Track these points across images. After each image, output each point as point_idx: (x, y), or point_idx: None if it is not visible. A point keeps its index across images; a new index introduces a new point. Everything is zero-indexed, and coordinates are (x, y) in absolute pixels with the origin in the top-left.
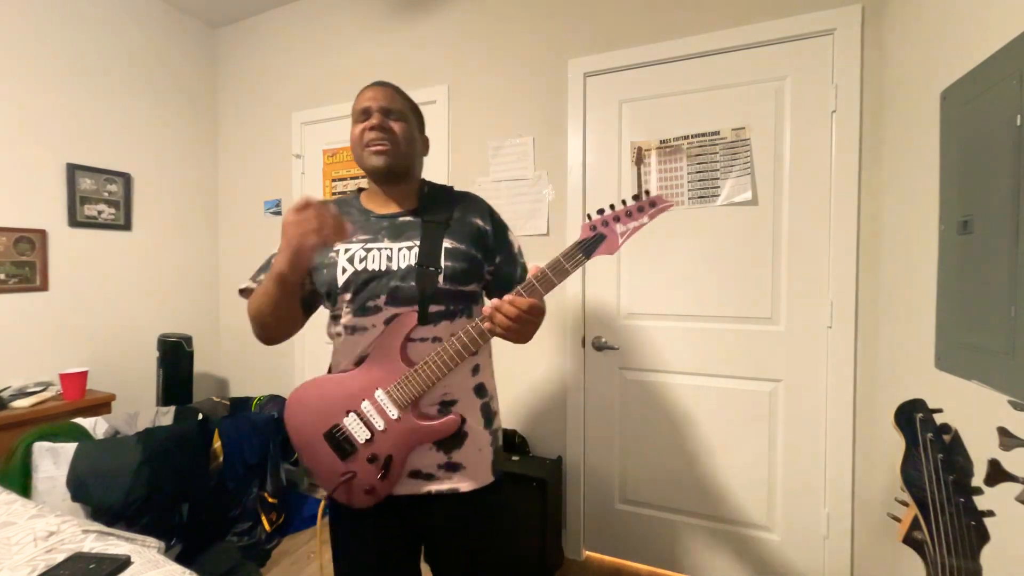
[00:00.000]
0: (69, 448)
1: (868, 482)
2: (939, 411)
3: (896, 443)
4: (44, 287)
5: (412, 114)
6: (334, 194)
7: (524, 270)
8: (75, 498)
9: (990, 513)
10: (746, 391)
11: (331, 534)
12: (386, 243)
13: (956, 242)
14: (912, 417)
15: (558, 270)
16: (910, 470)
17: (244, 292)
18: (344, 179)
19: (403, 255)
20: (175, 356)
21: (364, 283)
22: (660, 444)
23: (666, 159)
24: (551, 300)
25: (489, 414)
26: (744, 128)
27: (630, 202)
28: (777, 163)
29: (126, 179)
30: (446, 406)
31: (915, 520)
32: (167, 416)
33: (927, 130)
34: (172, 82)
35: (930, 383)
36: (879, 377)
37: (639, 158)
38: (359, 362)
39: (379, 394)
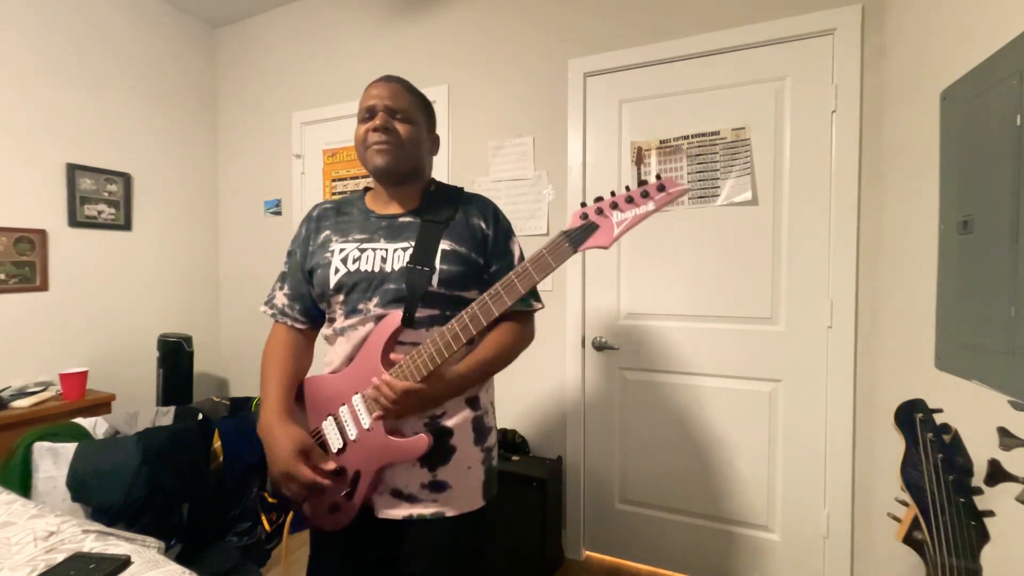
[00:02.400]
0: (69, 448)
1: (868, 482)
2: (939, 411)
3: (896, 443)
4: (44, 287)
5: (421, 112)
6: (334, 194)
7: None
8: (75, 498)
9: (990, 513)
10: (746, 391)
11: (309, 552)
12: (382, 243)
13: (956, 242)
14: (912, 417)
15: (540, 264)
16: (910, 470)
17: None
18: (344, 179)
19: (398, 256)
20: (175, 356)
21: (355, 284)
22: (660, 444)
23: (666, 159)
24: (551, 300)
25: (482, 430)
26: (744, 128)
27: (634, 187)
28: (777, 163)
29: (126, 179)
30: (433, 419)
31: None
32: (167, 416)
33: (927, 130)
34: (172, 82)
35: (930, 383)
36: (879, 377)
37: (639, 158)
38: (347, 365)
39: (356, 399)
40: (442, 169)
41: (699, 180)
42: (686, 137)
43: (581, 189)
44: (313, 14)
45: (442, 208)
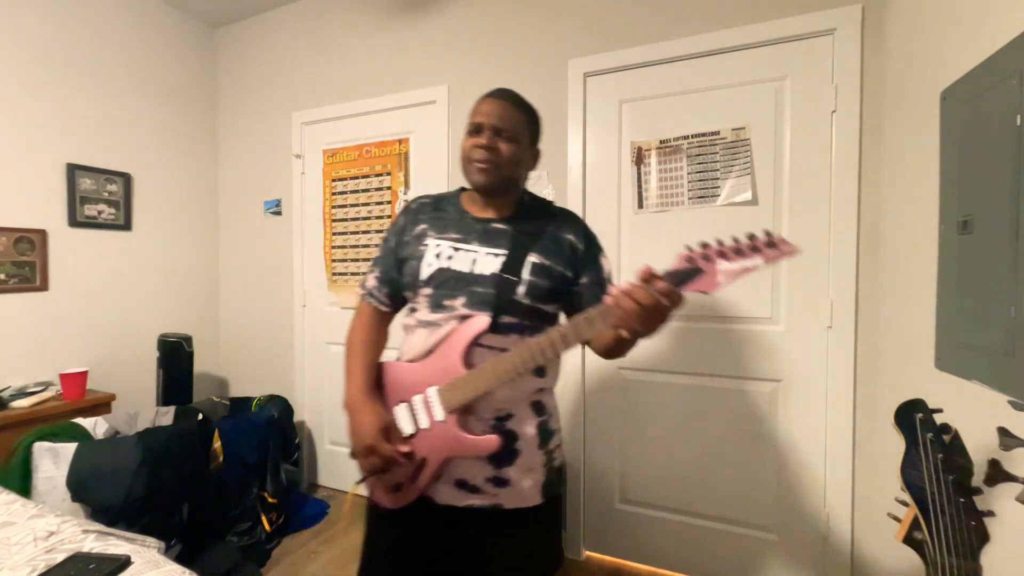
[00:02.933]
0: (69, 448)
1: (868, 482)
2: (939, 411)
3: (896, 443)
4: (44, 287)
5: (526, 129)
6: (334, 194)
7: None
8: (75, 498)
9: (990, 513)
10: (746, 391)
11: (365, 526)
12: (475, 246)
13: (956, 242)
14: (912, 417)
15: None
16: (910, 470)
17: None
18: (344, 179)
19: (488, 261)
20: (175, 356)
21: (445, 281)
22: (660, 444)
23: (666, 159)
24: None
25: (547, 433)
26: (744, 128)
27: (742, 240)
28: (777, 163)
29: (126, 179)
30: (500, 421)
31: (915, 520)
32: (167, 416)
33: (927, 130)
34: (172, 82)
35: (930, 383)
36: (879, 377)
37: (639, 158)
38: (427, 357)
39: (431, 391)
40: (442, 169)
41: (699, 180)
42: (686, 137)
43: (581, 189)
44: (313, 14)
45: (534, 220)
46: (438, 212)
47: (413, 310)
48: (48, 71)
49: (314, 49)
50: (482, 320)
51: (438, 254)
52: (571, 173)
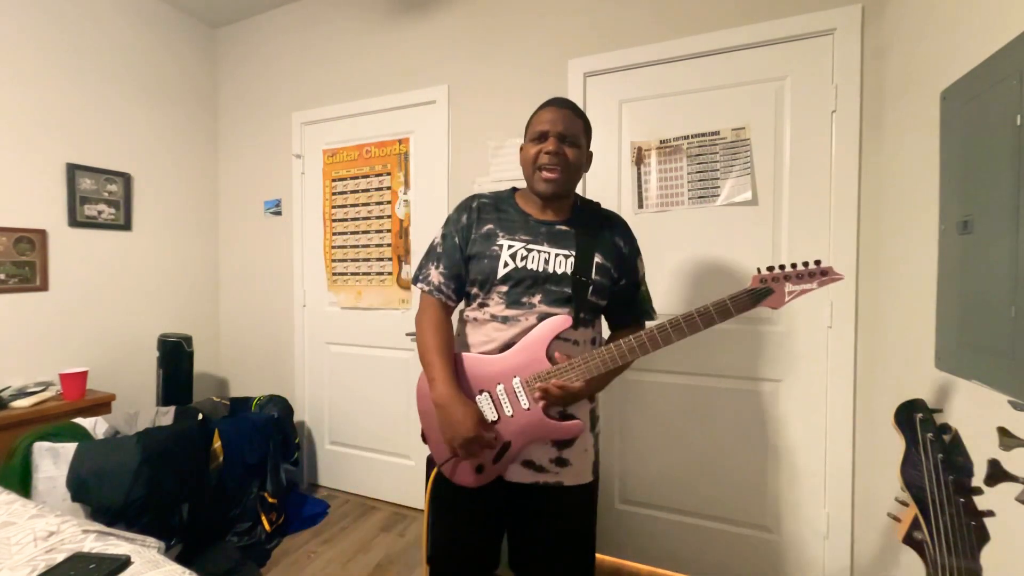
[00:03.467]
0: (69, 448)
1: (868, 482)
2: (939, 411)
3: (896, 443)
4: (44, 287)
5: (584, 135)
6: (334, 194)
7: (644, 296)
8: (75, 498)
9: (990, 513)
10: (746, 391)
11: (431, 503)
12: (545, 247)
13: (956, 242)
14: (912, 417)
15: (721, 310)
16: (910, 470)
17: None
18: (344, 179)
19: (559, 261)
20: (175, 356)
21: (522, 279)
22: (660, 444)
23: (666, 159)
24: None
25: (594, 418)
26: (744, 128)
27: (800, 266)
28: (777, 163)
29: (126, 179)
30: (565, 409)
31: (915, 520)
32: (167, 416)
33: (927, 130)
34: (172, 82)
35: (930, 383)
36: (879, 377)
37: (639, 158)
38: (503, 350)
39: (516, 382)
40: (442, 169)
41: (699, 180)
42: (686, 137)
43: (581, 189)
44: (313, 14)
45: (591, 223)
46: (501, 213)
47: (483, 305)
48: (48, 71)
49: (314, 49)
50: (566, 319)
51: (513, 254)
52: None
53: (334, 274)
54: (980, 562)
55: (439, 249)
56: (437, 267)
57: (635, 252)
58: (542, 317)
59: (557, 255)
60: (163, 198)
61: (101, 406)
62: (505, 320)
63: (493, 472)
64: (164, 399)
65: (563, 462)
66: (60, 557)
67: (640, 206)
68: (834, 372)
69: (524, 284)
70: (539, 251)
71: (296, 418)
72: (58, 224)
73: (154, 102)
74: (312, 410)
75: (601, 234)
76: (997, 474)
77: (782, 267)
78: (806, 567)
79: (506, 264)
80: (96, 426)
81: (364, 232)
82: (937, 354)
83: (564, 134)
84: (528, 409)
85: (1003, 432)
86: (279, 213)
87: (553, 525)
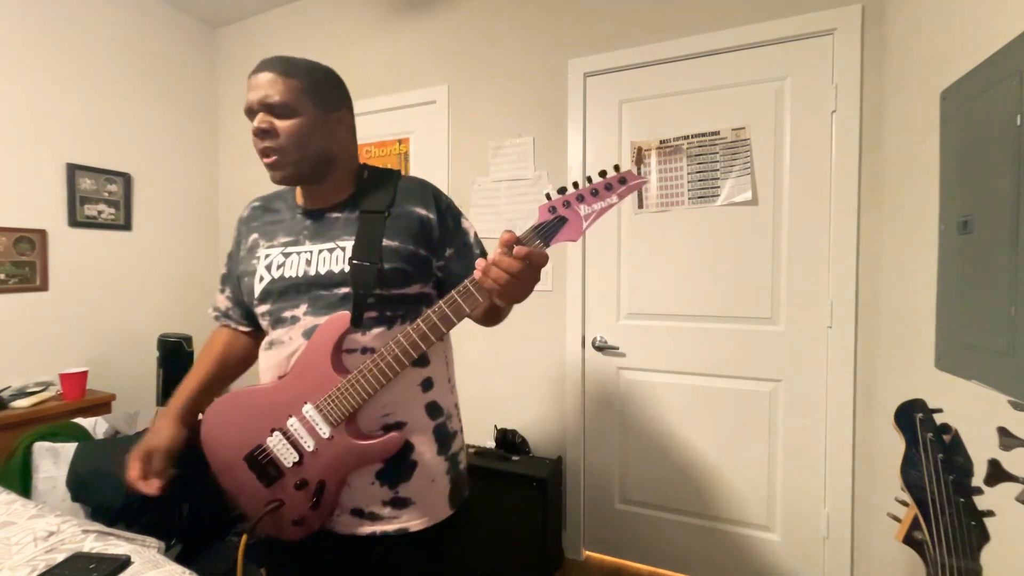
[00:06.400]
0: (69, 448)
1: (868, 482)
2: (939, 411)
3: (896, 443)
4: (44, 287)
5: (308, 96)
6: None
7: (484, 254)
8: (75, 498)
9: (990, 513)
10: (746, 391)
11: (266, 565)
12: (306, 245)
13: (956, 242)
14: (912, 417)
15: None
16: (910, 470)
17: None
18: None
19: (323, 258)
20: (175, 356)
21: (282, 292)
22: (660, 444)
23: (666, 159)
24: (551, 300)
25: (445, 437)
26: (744, 128)
27: (596, 179)
28: (777, 163)
29: (126, 179)
30: (389, 430)
31: (915, 520)
32: None
33: (927, 130)
34: (172, 82)
35: (930, 383)
36: (879, 377)
37: (639, 158)
38: (286, 375)
39: (307, 409)
40: (442, 169)
41: (699, 180)
42: (686, 137)
43: None
44: (313, 14)
45: (375, 198)
46: (269, 215)
47: (265, 331)
48: (48, 71)
49: (314, 49)
50: (342, 319)
51: (268, 265)
52: (571, 173)
53: None
54: (980, 562)
55: (224, 270)
56: (223, 291)
57: (450, 214)
58: (309, 331)
59: (322, 251)
60: (163, 198)
61: (101, 406)
62: (271, 345)
63: (317, 519)
64: (164, 399)
65: (402, 503)
66: (60, 557)
67: (640, 206)
68: (834, 372)
69: (286, 297)
70: (298, 252)
71: None
72: (58, 224)
73: (154, 102)
74: None
75: (391, 209)
76: (997, 474)
77: (576, 185)
78: (806, 567)
79: (261, 279)
80: (96, 426)
81: None
82: (937, 354)
83: (269, 104)
84: (330, 438)
85: (1003, 432)
86: None
87: None
